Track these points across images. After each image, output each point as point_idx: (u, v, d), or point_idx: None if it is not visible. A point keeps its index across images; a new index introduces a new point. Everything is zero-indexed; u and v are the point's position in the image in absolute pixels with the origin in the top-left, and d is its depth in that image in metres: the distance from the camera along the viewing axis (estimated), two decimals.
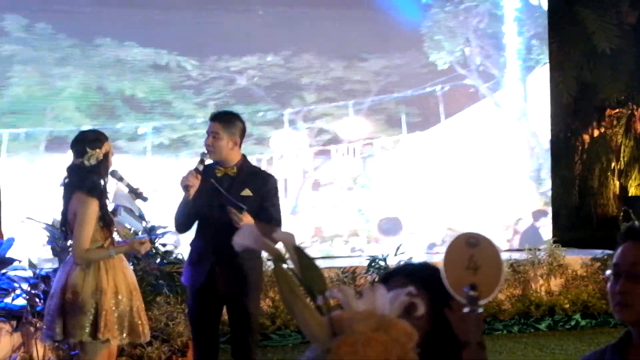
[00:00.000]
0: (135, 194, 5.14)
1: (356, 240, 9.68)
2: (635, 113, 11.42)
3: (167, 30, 9.03)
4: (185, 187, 4.97)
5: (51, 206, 6.64)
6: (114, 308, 4.87)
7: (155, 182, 8.66)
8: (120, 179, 5.11)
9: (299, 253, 1.47)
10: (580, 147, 11.47)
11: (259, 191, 5.05)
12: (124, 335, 4.92)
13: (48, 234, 7.14)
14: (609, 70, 10.93)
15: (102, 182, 4.95)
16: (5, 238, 7.12)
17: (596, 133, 11.47)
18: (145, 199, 5.17)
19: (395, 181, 9.86)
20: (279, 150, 9.53)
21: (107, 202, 5.02)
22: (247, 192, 5.01)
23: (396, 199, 9.82)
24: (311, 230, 9.62)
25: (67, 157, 7.90)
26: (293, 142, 9.61)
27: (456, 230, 9.82)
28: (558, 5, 10.64)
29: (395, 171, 9.86)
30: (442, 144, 9.97)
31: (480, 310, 1.56)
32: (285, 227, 9.13)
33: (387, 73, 9.82)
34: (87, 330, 4.82)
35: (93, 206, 4.85)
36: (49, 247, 7.06)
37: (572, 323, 8.47)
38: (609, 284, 2.23)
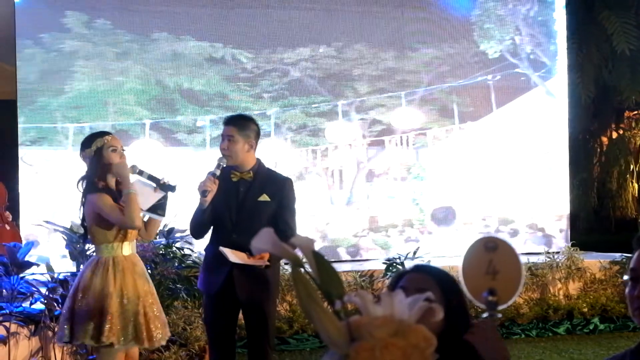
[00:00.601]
0: (160, 185, 5.05)
1: (411, 230, 9.70)
2: None
3: (222, 24, 9.14)
4: (204, 193, 4.88)
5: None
6: (119, 312, 4.84)
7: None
8: (140, 172, 5.05)
9: (317, 258, 1.47)
10: (598, 149, 11.40)
11: (275, 196, 4.98)
12: (129, 340, 4.87)
13: (65, 238, 7.19)
14: (628, 72, 10.76)
15: (95, 177, 4.93)
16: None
17: (614, 135, 11.37)
18: (172, 189, 5.05)
19: (448, 171, 9.86)
20: (333, 142, 9.60)
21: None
22: (264, 198, 4.95)
23: (450, 189, 9.82)
24: (366, 221, 9.67)
25: (129, 150, 8.18)
26: (347, 133, 9.65)
27: (510, 219, 9.97)
28: (577, 6, 10.50)
29: (449, 161, 9.87)
30: (494, 134, 9.94)
31: (499, 315, 1.56)
32: (340, 217, 9.60)
33: (437, 63, 9.83)
34: (89, 333, 4.81)
35: (102, 198, 4.84)
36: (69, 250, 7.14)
37: (591, 327, 8.40)
38: (627, 289, 2.18)
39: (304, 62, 9.45)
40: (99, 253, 4.99)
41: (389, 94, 9.72)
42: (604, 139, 11.40)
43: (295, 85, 9.42)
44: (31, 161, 8.50)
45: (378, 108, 9.71)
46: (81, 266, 6.69)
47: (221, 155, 5.02)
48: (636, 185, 11.18)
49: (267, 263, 4.85)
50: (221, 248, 4.81)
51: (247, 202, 4.94)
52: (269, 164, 5.31)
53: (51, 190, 8.36)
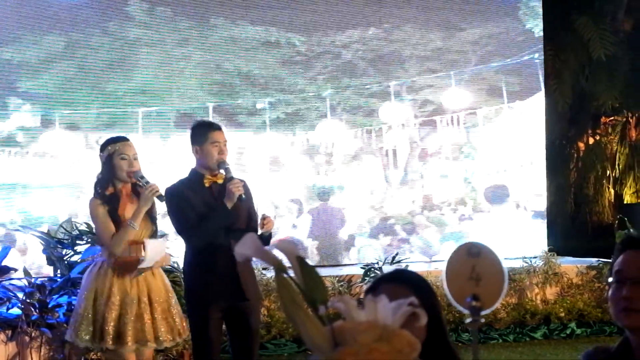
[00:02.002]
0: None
1: (464, 208, 9.79)
2: (631, 120, 11.05)
3: (275, 8, 9.27)
4: (241, 197, 4.87)
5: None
6: (87, 311, 4.89)
7: (274, 154, 9.26)
8: (141, 178, 5.07)
9: (300, 262, 1.46)
10: (575, 155, 11.44)
11: (247, 194, 5.00)
12: (106, 341, 4.86)
13: (43, 243, 7.13)
14: (604, 78, 10.63)
15: (102, 182, 5.02)
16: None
17: (591, 141, 11.40)
18: (161, 199, 5.04)
19: (499, 150, 9.93)
20: (387, 122, 9.68)
21: (123, 197, 5.04)
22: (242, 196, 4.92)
23: (501, 168, 9.89)
24: (420, 199, 9.77)
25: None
26: (400, 114, 9.75)
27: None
28: (554, 13, 10.37)
29: (499, 140, 9.91)
30: (542, 113, 9.98)
31: (482, 320, 1.56)
32: (395, 196, 9.65)
33: (484, 42, 9.86)
34: (71, 331, 4.93)
35: (93, 204, 4.98)
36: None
37: (568, 332, 8.36)
38: (610, 292, 2.19)
39: (355, 44, 9.58)
40: (101, 255, 5.11)
41: (438, 74, 9.81)
42: (581, 145, 11.41)
43: (347, 67, 9.57)
44: None
45: (428, 88, 9.80)
46: (58, 272, 6.74)
47: (221, 161, 5.00)
48: (612, 191, 11.17)
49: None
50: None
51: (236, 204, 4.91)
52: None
53: None
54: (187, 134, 8.79)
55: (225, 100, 9.11)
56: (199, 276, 4.99)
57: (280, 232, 9.37)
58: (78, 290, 5.26)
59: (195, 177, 5.00)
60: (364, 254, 9.49)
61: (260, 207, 9.29)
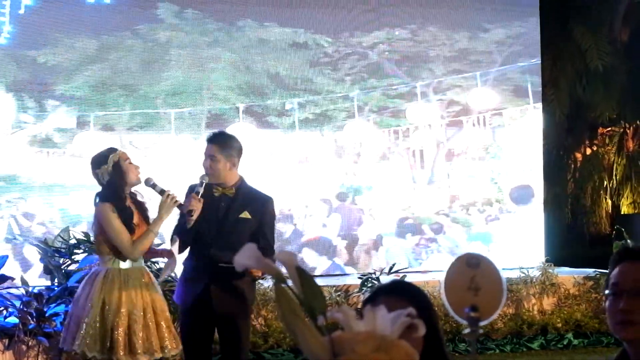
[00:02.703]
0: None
1: (490, 209, 9.76)
2: (628, 131, 10.96)
3: (302, 10, 9.32)
4: (189, 212, 4.85)
5: None
6: (96, 322, 4.84)
7: (304, 154, 9.31)
8: (154, 185, 5.08)
9: (300, 273, 1.46)
10: (572, 165, 11.33)
11: (257, 214, 4.94)
12: (105, 351, 4.84)
13: (40, 251, 7.04)
14: (601, 88, 10.53)
15: (118, 188, 4.99)
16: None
17: (588, 151, 11.28)
18: (181, 208, 5.05)
19: (525, 150, 9.90)
20: (414, 122, 9.68)
21: (129, 204, 5.02)
22: (245, 215, 4.92)
23: (527, 168, 9.87)
24: (447, 199, 9.76)
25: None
26: (426, 114, 9.74)
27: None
28: (551, 23, 10.26)
29: (525, 140, 9.88)
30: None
31: (481, 331, 1.55)
32: (422, 196, 9.63)
33: (509, 43, 9.83)
34: (70, 342, 4.89)
35: (106, 209, 4.91)
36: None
37: (565, 342, 8.25)
38: (607, 304, 2.15)
39: (381, 44, 9.59)
40: (101, 264, 5.04)
41: (464, 74, 9.79)
42: (578, 155, 11.36)
43: (373, 68, 9.57)
44: (139, 145, 8.84)
45: (454, 89, 9.78)
46: (55, 280, 6.66)
47: (204, 173, 4.99)
48: (610, 202, 11.10)
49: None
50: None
51: (228, 218, 4.91)
52: (253, 184, 5.26)
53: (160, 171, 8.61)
54: None
55: (255, 101, 9.14)
56: (181, 285, 5.08)
57: (310, 231, 9.38)
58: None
59: (208, 186, 4.99)
60: (392, 253, 9.47)
61: (292, 207, 9.34)
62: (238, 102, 9.08)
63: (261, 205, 5.01)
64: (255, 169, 9.10)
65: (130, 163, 5.04)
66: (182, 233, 4.99)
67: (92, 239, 5.14)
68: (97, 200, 5.00)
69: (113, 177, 4.97)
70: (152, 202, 5.48)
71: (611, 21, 10.87)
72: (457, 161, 9.90)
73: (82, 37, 8.62)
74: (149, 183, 5.08)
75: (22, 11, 8.21)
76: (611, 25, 10.87)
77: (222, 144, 5.00)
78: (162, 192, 5.06)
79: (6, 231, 8.23)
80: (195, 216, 4.86)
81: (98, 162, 5.04)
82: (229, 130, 8.90)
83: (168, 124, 8.95)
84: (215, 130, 5.30)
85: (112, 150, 5.11)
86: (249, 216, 4.93)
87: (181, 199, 5.05)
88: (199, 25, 9.01)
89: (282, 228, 9.22)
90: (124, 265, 4.98)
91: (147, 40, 8.88)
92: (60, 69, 8.55)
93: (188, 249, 5.10)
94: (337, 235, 9.44)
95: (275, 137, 9.30)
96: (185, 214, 4.92)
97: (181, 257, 5.22)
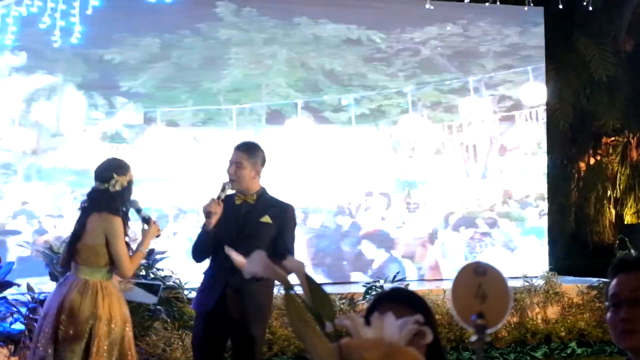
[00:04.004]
0: (147, 223, 5.08)
1: (543, 204, 9.69)
2: (631, 141, 10.76)
3: (354, 7, 9.34)
4: (208, 214, 4.83)
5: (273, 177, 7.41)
6: (106, 336, 4.75)
7: (360, 149, 9.34)
8: (139, 210, 5.05)
9: (308, 281, 1.46)
10: (576, 175, 11.12)
11: (277, 219, 4.89)
12: None
13: (45, 258, 6.96)
14: (605, 98, 10.33)
15: (125, 207, 4.93)
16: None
17: (592, 161, 11.09)
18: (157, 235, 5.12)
19: None
20: (467, 117, 9.63)
21: (127, 228, 4.96)
22: (266, 219, 4.87)
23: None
24: (500, 194, 9.70)
25: (284, 129, 8.32)
26: (479, 109, 9.68)
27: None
28: (555, 33, 10.05)
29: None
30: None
31: (488, 339, 1.53)
32: (476, 190, 9.59)
33: None
34: (79, 356, 4.71)
35: (119, 223, 4.84)
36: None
37: (569, 351, 8.12)
38: (608, 316, 2.14)
39: (433, 40, 9.55)
40: (87, 275, 4.86)
41: (515, 69, 9.71)
42: (582, 165, 11.20)
43: (426, 64, 9.54)
44: (203, 140, 8.98)
45: (506, 84, 9.71)
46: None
47: (227, 180, 4.95)
48: (613, 211, 10.92)
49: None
50: (227, 248, 4.63)
51: (248, 222, 4.88)
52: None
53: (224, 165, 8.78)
54: (279, 129, 9.03)
55: (311, 97, 9.18)
56: (199, 292, 5.07)
57: (368, 224, 9.38)
58: None
59: (229, 196, 4.98)
60: (447, 247, 9.41)
61: (350, 200, 9.36)
62: (295, 98, 9.13)
63: (282, 211, 4.98)
64: (313, 164, 9.17)
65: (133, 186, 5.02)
66: (201, 244, 4.99)
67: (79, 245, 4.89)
68: (105, 211, 4.88)
69: (125, 192, 4.92)
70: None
71: (615, 32, 10.72)
72: (509, 156, 9.81)
73: (145, 35, 8.76)
74: (134, 206, 5.05)
75: (89, 12, 8.36)
76: (615, 36, 10.73)
77: (249, 151, 4.97)
78: (145, 218, 5.06)
79: None
80: (214, 220, 4.84)
81: (122, 167, 5.01)
82: (288, 125, 9.04)
83: (229, 119, 9.04)
84: (245, 140, 5.28)
85: (129, 165, 5.08)
86: (270, 220, 4.90)
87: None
88: (256, 22, 9.08)
89: (340, 221, 9.25)
90: (114, 278, 4.96)
91: (207, 38, 8.97)
92: (126, 67, 8.69)
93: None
94: (394, 228, 9.41)
95: (332, 132, 9.32)
96: (204, 226, 4.93)
97: (201, 267, 5.20)
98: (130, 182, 4.96)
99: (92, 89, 8.59)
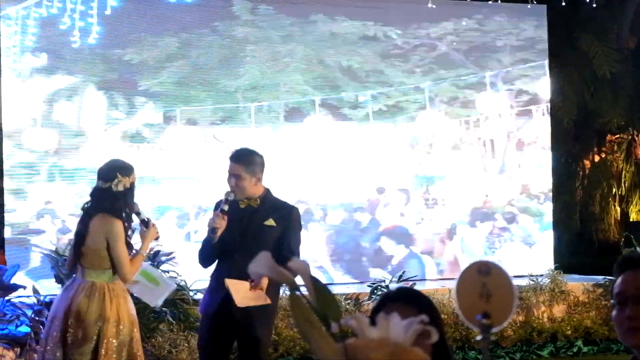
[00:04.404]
0: (146, 225, 5.07)
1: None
2: (636, 138, 10.68)
3: (370, 3, 9.32)
4: (213, 230, 4.83)
5: (284, 176, 7.50)
6: (115, 337, 4.76)
7: (378, 145, 9.32)
8: (138, 213, 5.04)
9: (314, 282, 1.45)
10: (581, 173, 11.01)
11: (281, 222, 4.90)
12: None
13: (51, 261, 6.97)
14: (609, 95, 10.25)
15: (127, 209, 4.92)
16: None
17: (597, 158, 10.97)
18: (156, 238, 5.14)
19: None
20: (484, 112, 9.61)
21: (129, 229, 4.95)
22: (270, 222, 4.87)
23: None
24: (518, 188, 9.67)
25: (303, 127, 8.36)
26: (496, 104, 9.65)
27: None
28: (558, 30, 9.95)
29: None
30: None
31: (493, 337, 1.52)
32: (494, 185, 9.54)
33: None
34: (88, 358, 4.72)
35: (120, 226, 4.83)
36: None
37: (575, 350, 8.07)
38: (613, 314, 2.13)
39: (449, 35, 9.51)
40: (93, 277, 4.86)
41: (531, 63, 9.66)
42: (587, 162, 11.12)
43: (442, 59, 9.50)
44: (222, 138, 8.98)
45: (523, 78, 9.66)
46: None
47: (229, 191, 4.94)
48: (618, 209, 10.83)
49: (269, 301, 4.72)
50: (227, 281, 4.72)
51: (253, 226, 4.88)
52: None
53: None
54: (297, 126, 9.03)
55: (329, 94, 9.17)
56: (206, 295, 5.09)
57: (387, 220, 9.36)
58: None
59: (234, 201, 4.98)
60: (467, 242, 9.39)
61: (369, 196, 9.34)
62: (313, 95, 9.12)
63: (287, 214, 4.99)
64: (332, 161, 9.17)
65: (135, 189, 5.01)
66: (206, 251, 5.01)
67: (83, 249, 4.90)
68: (107, 213, 4.88)
69: (127, 193, 4.91)
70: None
71: (619, 29, 10.64)
72: (527, 150, 9.76)
73: (163, 35, 8.78)
74: (134, 209, 5.03)
75: (108, 12, 8.41)
76: (619, 33, 10.65)
77: (245, 162, 4.95)
78: (145, 221, 5.06)
79: None
80: (219, 234, 4.84)
81: (126, 168, 5.01)
82: (307, 122, 9.04)
83: (248, 117, 9.05)
84: (238, 148, 5.15)
85: (133, 167, 5.09)
86: (274, 223, 4.90)
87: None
88: (273, 20, 9.08)
89: (360, 217, 9.24)
90: (111, 278, 4.93)
91: (225, 37, 8.98)
92: (145, 66, 8.72)
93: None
94: (413, 224, 9.38)
95: (350, 129, 9.31)
96: (209, 239, 4.93)
97: (207, 272, 5.20)
98: (132, 184, 4.96)
99: (112, 88, 8.62)
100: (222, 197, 4.93)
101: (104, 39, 8.44)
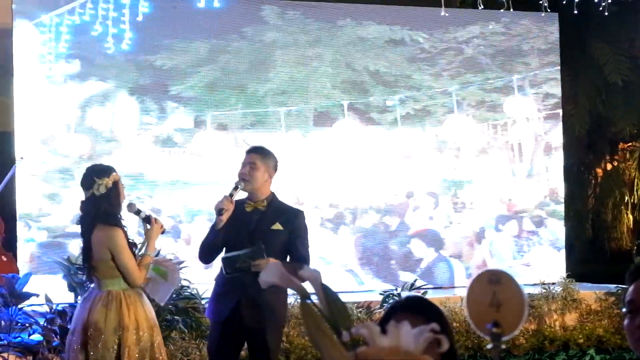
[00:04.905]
0: (149, 222, 5.03)
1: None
2: None
3: (396, 7, 9.36)
4: (220, 211, 4.83)
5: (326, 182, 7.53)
6: (135, 344, 4.76)
7: (406, 149, 9.30)
8: (138, 212, 5.02)
9: (325, 290, 1.46)
10: (593, 181, 10.79)
11: (288, 225, 4.89)
12: None
13: (63, 269, 6.92)
14: (621, 103, 10.08)
15: (114, 211, 4.85)
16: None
17: (609, 166, 10.75)
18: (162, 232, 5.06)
19: None
20: (512, 116, 9.54)
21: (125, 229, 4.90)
22: (277, 226, 4.87)
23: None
24: (546, 192, 9.59)
25: (332, 131, 8.49)
26: (523, 108, 9.57)
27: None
28: (570, 38, 9.81)
29: None
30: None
31: (504, 346, 1.51)
32: (522, 189, 9.49)
33: None
34: None
35: (119, 235, 4.79)
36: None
37: (587, 358, 7.93)
38: (625, 321, 2.09)
39: (476, 39, 9.47)
40: (109, 286, 4.85)
41: (559, 67, 9.58)
42: (599, 171, 10.96)
43: (469, 63, 9.46)
44: (253, 143, 8.94)
45: (550, 82, 9.57)
46: (79, 298, 6.33)
47: (238, 179, 4.96)
48: (631, 217, 10.64)
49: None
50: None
51: (259, 230, 4.87)
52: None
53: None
54: (326, 131, 9.03)
55: (357, 98, 9.16)
56: (213, 300, 5.09)
57: (417, 224, 9.34)
58: None
59: (239, 202, 4.98)
60: (495, 246, 9.33)
61: (398, 200, 9.32)
62: (342, 99, 9.12)
63: (293, 217, 4.99)
64: (361, 165, 9.16)
65: (123, 186, 4.98)
66: (209, 243, 5.00)
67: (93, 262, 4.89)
68: (103, 224, 4.84)
69: (111, 193, 4.84)
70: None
71: (631, 37, 10.51)
72: (555, 154, 9.67)
73: (193, 40, 8.82)
74: (132, 209, 5.01)
75: (140, 18, 8.48)
76: (631, 41, 10.53)
77: (262, 153, 5.03)
78: (147, 218, 5.03)
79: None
80: (225, 217, 4.84)
81: (102, 171, 4.94)
82: (336, 127, 9.07)
83: (278, 122, 9.06)
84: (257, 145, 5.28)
85: (111, 167, 5.03)
86: (281, 227, 4.90)
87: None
88: (301, 25, 9.08)
89: (389, 221, 9.22)
90: (125, 285, 4.90)
91: (254, 42, 8.99)
92: (176, 72, 8.77)
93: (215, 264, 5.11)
94: (442, 228, 9.35)
95: (379, 133, 9.28)
96: (214, 224, 4.95)
97: (212, 273, 5.20)
98: (115, 183, 4.89)
99: (144, 94, 8.68)
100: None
101: (136, 45, 8.51)
